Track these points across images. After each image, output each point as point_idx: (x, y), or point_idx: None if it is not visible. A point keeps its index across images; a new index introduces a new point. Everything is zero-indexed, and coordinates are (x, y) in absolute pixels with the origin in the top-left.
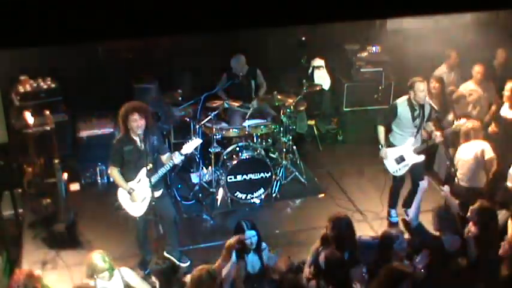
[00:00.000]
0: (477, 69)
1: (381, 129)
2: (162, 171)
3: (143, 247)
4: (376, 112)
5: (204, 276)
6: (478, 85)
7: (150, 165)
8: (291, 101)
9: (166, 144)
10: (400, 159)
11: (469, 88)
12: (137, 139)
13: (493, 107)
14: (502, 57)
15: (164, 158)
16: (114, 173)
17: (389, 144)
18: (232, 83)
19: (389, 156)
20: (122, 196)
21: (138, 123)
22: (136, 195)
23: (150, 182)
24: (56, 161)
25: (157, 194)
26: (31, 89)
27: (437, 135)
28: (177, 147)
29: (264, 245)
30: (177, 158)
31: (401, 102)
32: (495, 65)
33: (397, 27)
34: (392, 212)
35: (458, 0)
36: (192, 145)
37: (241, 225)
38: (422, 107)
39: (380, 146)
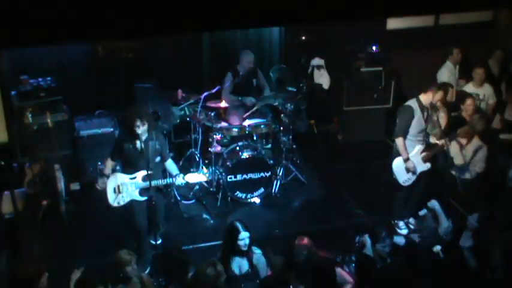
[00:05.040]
0: (478, 72)
1: (401, 142)
2: (160, 182)
3: (143, 244)
4: (376, 111)
5: (210, 271)
6: (478, 87)
7: (151, 172)
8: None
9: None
10: (407, 159)
11: (469, 90)
12: (138, 140)
13: (492, 109)
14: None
15: (166, 163)
16: (108, 162)
17: (399, 153)
18: (235, 82)
19: (399, 166)
20: (110, 182)
21: (140, 128)
22: (121, 188)
23: (149, 183)
24: (56, 160)
25: (141, 198)
26: (31, 89)
27: (444, 142)
28: (177, 146)
29: (258, 250)
30: (179, 181)
31: (414, 104)
32: (491, 65)
33: (396, 26)
34: (401, 223)
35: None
36: (197, 178)
37: (236, 227)
38: (428, 110)
39: (405, 159)
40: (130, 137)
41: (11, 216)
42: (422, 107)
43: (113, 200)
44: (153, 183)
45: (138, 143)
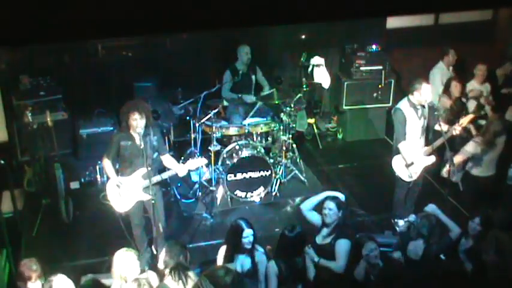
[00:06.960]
0: (481, 68)
1: (403, 147)
2: (162, 176)
3: (140, 244)
4: (376, 110)
5: (220, 272)
6: (480, 84)
7: (149, 168)
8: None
9: (166, 144)
10: (410, 164)
11: (471, 87)
12: (136, 136)
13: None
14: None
15: (164, 159)
16: (106, 163)
17: (398, 152)
18: (234, 81)
19: (398, 163)
20: (110, 188)
21: (138, 122)
22: (124, 191)
23: (150, 181)
24: (56, 159)
25: (146, 197)
26: (31, 87)
27: (456, 128)
28: (177, 145)
29: (261, 248)
30: (182, 172)
31: (404, 106)
32: (498, 74)
33: (396, 25)
34: (401, 222)
35: None
36: (196, 163)
37: (240, 224)
38: (422, 106)
39: (407, 165)
40: (128, 133)
41: (10, 216)
42: (413, 105)
43: (120, 206)
44: (157, 178)
45: (136, 139)
